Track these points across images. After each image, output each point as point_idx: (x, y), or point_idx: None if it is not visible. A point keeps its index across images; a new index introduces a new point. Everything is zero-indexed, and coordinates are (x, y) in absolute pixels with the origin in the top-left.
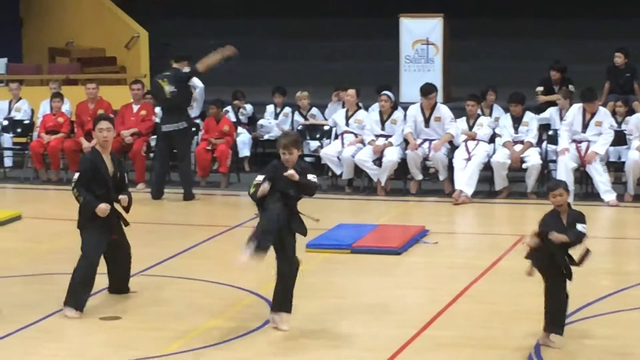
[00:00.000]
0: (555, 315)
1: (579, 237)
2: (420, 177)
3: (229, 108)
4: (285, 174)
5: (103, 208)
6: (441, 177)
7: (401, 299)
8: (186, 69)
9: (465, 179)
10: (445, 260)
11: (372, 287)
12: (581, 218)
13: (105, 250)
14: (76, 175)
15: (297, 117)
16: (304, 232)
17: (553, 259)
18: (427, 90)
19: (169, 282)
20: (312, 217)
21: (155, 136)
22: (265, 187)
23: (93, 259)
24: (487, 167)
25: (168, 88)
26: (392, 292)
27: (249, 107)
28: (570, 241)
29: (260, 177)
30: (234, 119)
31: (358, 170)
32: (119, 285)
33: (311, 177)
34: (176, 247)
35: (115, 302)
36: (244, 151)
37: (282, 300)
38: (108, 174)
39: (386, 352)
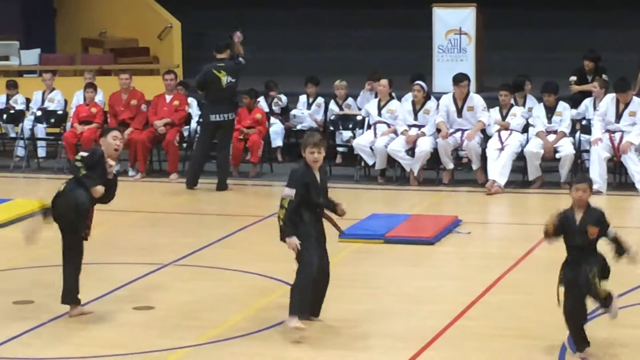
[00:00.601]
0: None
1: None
2: (451, 166)
3: (260, 99)
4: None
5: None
6: (474, 167)
7: (434, 289)
8: (240, 59)
9: (499, 169)
10: (479, 250)
11: (405, 277)
12: (604, 219)
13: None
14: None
15: (333, 106)
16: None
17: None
18: (459, 78)
19: (202, 272)
20: (338, 227)
21: (188, 126)
22: (294, 243)
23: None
24: (520, 157)
25: (225, 79)
26: (425, 282)
27: (284, 98)
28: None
29: (289, 192)
30: (266, 110)
31: (391, 161)
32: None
33: None
34: (209, 237)
35: (149, 292)
36: (277, 141)
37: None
38: None
39: (419, 342)
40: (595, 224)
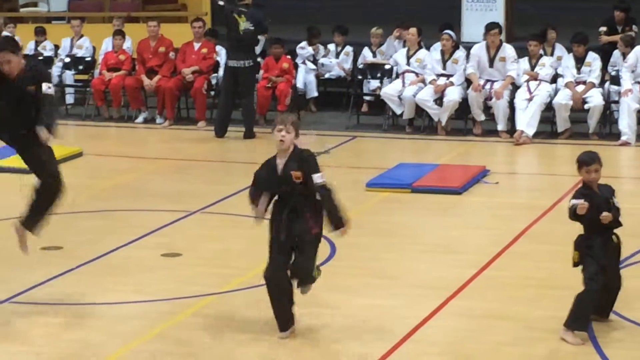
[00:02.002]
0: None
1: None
2: (482, 118)
3: (304, 44)
4: None
5: None
6: (499, 127)
7: (461, 239)
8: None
9: (527, 120)
10: (506, 200)
11: (432, 227)
12: (613, 193)
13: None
14: None
15: (367, 52)
16: (310, 239)
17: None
18: (490, 26)
19: (230, 220)
20: (326, 150)
21: (216, 74)
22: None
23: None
24: (549, 108)
25: (243, 25)
26: (452, 232)
27: (331, 48)
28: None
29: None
30: (306, 55)
31: (419, 110)
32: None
33: (317, 177)
34: (237, 184)
35: (176, 240)
36: (312, 92)
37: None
38: None
39: (446, 292)
40: (612, 195)
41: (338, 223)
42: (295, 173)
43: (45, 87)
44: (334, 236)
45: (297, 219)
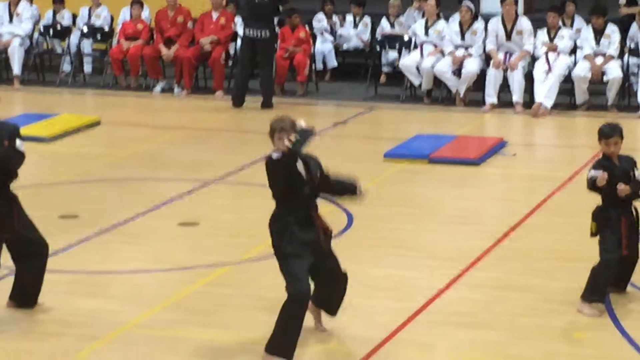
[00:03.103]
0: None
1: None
2: (494, 100)
3: (321, 14)
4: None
5: None
6: (515, 98)
7: (479, 210)
8: None
9: (545, 91)
10: (524, 172)
11: (449, 198)
12: (634, 165)
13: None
14: None
15: (384, 24)
16: (327, 246)
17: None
18: None
19: (246, 190)
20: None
21: (234, 44)
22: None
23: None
24: (567, 80)
25: None
26: (470, 203)
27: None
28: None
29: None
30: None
31: (437, 81)
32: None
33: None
34: (253, 154)
35: (193, 208)
36: (332, 62)
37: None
38: None
39: (463, 263)
40: (633, 167)
41: (352, 188)
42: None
43: (19, 143)
44: (353, 205)
45: (309, 223)
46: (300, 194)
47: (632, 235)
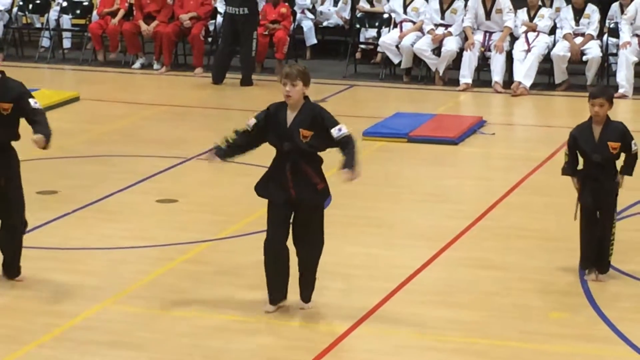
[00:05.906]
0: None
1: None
2: (468, 80)
3: None
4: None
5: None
6: (495, 78)
7: (457, 189)
8: None
9: (524, 71)
10: (502, 151)
11: (427, 177)
12: (627, 133)
13: None
14: None
15: (363, 3)
16: (318, 201)
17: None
18: None
19: (225, 167)
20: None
21: (213, 21)
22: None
23: None
24: (547, 59)
25: None
26: (448, 182)
27: None
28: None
29: (250, 121)
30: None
31: (416, 60)
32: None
33: (336, 130)
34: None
35: (172, 186)
36: (311, 39)
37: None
38: None
39: (440, 242)
40: (617, 139)
41: (351, 165)
42: (304, 131)
43: (32, 102)
44: (336, 179)
45: (299, 174)
46: (278, 149)
47: (604, 208)
